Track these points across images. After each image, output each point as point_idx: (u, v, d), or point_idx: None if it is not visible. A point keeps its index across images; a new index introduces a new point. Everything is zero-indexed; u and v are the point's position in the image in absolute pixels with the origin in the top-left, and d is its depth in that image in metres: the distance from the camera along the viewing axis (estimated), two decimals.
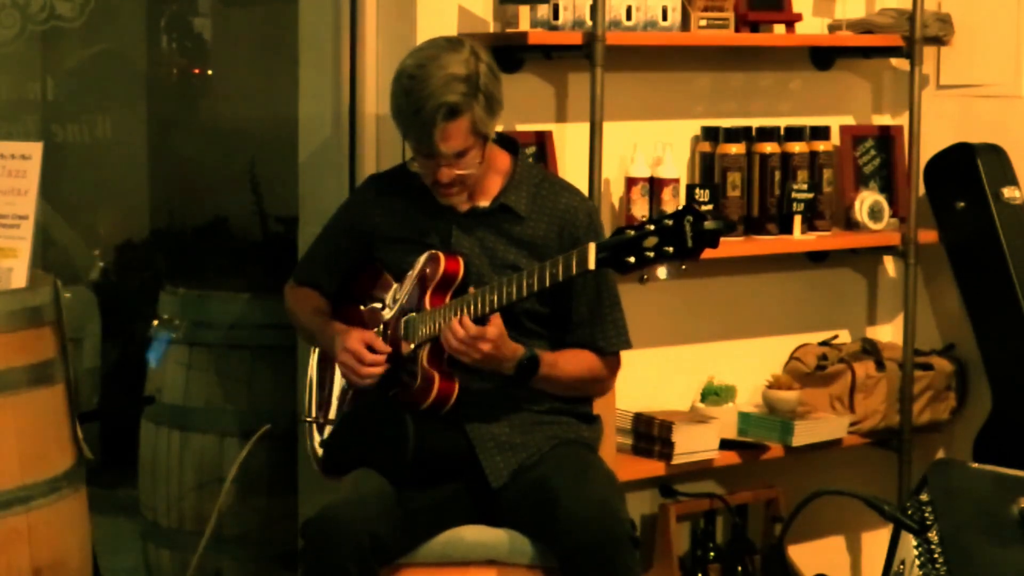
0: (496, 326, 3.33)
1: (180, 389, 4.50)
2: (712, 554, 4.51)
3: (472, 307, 3.34)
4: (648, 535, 4.40)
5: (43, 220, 3.56)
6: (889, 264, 4.89)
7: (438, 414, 3.44)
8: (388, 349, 3.49)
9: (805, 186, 4.43)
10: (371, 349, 3.49)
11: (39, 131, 5.84)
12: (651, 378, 4.43)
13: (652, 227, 3.14)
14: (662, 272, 3.17)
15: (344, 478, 3.49)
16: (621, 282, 3.55)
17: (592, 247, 3.21)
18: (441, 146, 3.38)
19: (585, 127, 4.02)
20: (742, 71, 4.58)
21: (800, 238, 4.44)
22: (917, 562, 3.09)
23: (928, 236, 4.62)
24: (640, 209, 4.20)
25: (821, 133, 4.54)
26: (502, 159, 3.57)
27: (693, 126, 4.47)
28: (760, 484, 4.55)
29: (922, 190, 4.63)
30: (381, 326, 3.54)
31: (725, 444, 4.33)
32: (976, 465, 3.36)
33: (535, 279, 3.29)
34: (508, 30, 4.05)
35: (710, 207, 4.26)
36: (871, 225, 4.56)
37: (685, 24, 4.26)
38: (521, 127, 4.16)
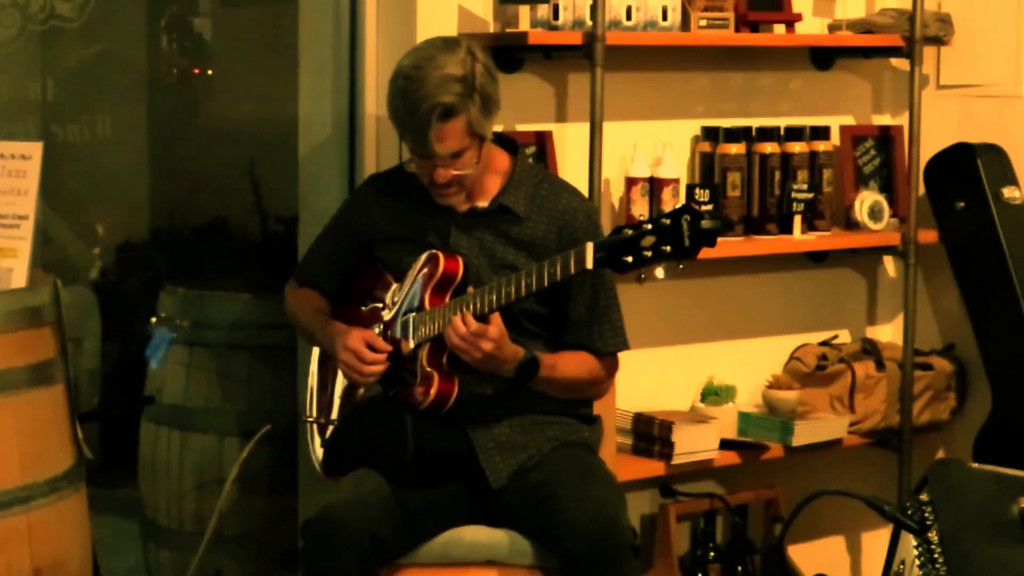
0: (497, 326, 3.33)
1: (180, 389, 4.50)
2: (712, 554, 4.51)
3: (471, 307, 3.35)
4: (648, 535, 4.40)
5: (42, 221, 3.55)
6: (889, 264, 4.89)
7: (438, 414, 3.44)
8: (389, 348, 3.49)
9: (805, 186, 4.43)
10: (372, 348, 3.49)
11: (39, 131, 5.84)
12: (651, 378, 4.43)
13: (650, 226, 3.14)
14: (660, 272, 3.17)
15: (344, 478, 3.49)
16: (620, 282, 3.55)
17: (590, 247, 3.21)
18: (436, 147, 3.38)
19: (585, 127, 4.02)
20: (742, 71, 4.58)
21: (800, 238, 4.44)
22: (917, 562, 3.09)
23: (928, 236, 4.62)
24: (640, 209, 4.20)
25: (821, 133, 4.54)
26: (501, 159, 3.57)
27: (693, 126, 4.47)
28: (760, 484, 4.55)
29: (922, 190, 4.63)
30: (381, 326, 3.54)
31: (725, 444, 4.33)
32: (976, 465, 3.35)
33: (533, 279, 3.29)
34: (508, 30, 4.05)
35: (710, 207, 4.26)
36: (871, 225, 4.56)
37: (685, 24, 4.26)
38: (521, 127, 4.16)
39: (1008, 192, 4.57)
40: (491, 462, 3.47)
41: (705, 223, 3.10)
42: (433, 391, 3.41)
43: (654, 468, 4.26)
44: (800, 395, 4.46)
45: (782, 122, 4.53)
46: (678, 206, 3.16)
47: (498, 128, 3.81)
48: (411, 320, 3.47)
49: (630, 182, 4.23)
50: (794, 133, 4.48)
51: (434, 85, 3.36)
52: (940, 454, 4.80)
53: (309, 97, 4.27)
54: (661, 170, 4.24)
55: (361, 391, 3.58)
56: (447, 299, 3.44)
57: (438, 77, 3.36)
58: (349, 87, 4.12)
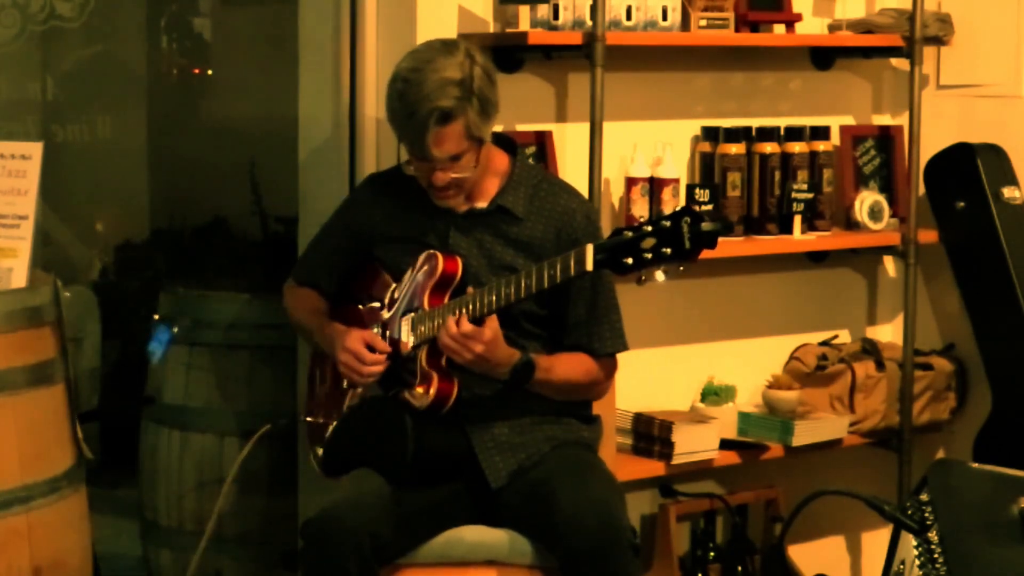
0: (491, 328, 3.33)
1: (180, 389, 4.50)
2: (712, 554, 4.51)
3: (470, 307, 3.35)
4: (648, 535, 4.40)
5: (42, 221, 3.56)
6: (889, 264, 4.89)
7: (437, 414, 3.43)
8: (388, 348, 3.49)
9: (805, 186, 4.43)
10: (371, 349, 3.49)
11: (39, 131, 5.84)
12: (651, 378, 4.43)
13: (650, 228, 3.14)
14: (660, 275, 3.17)
15: (344, 478, 3.49)
16: (620, 282, 3.55)
17: (590, 248, 3.21)
18: (434, 150, 3.38)
19: (585, 127, 4.02)
20: (742, 71, 4.58)
21: (800, 238, 4.44)
22: (917, 562, 3.08)
23: (928, 236, 4.62)
24: (640, 209, 4.20)
25: (821, 133, 4.54)
26: (500, 160, 3.57)
27: (693, 126, 4.47)
28: (760, 484, 4.55)
29: (922, 190, 4.63)
30: (380, 326, 3.54)
31: (725, 444, 4.33)
32: (976, 465, 3.35)
33: (533, 280, 3.28)
34: (508, 30, 4.05)
35: (710, 207, 4.26)
36: (871, 225, 4.56)
37: (685, 24, 4.26)
38: (521, 127, 4.15)
39: (1008, 192, 4.57)
40: (491, 462, 3.47)
41: (705, 225, 3.10)
42: (432, 391, 3.41)
43: (654, 468, 4.26)
44: (800, 395, 4.46)
45: (782, 122, 4.53)
46: (678, 208, 3.16)
47: (498, 128, 3.80)
48: (410, 320, 3.47)
49: (630, 182, 4.23)
50: (794, 133, 4.48)
51: (432, 88, 3.35)
52: (940, 454, 4.80)
53: (309, 97, 4.27)
54: (661, 170, 4.23)
55: (359, 390, 3.58)
56: (446, 299, 3.44)
57: (436, 80, 3.36)
58: (349, 87, 4.12)
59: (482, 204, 3.54)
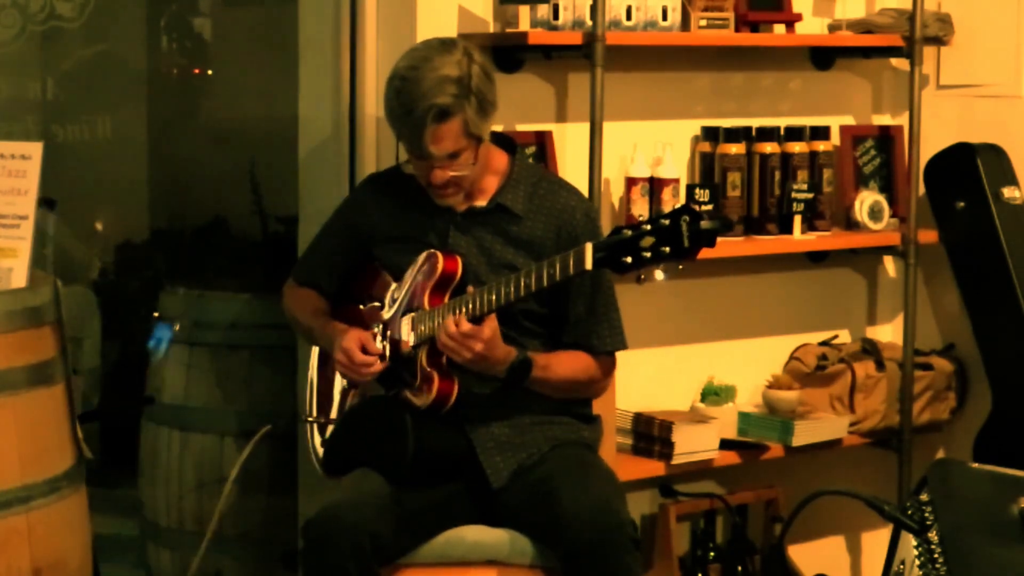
0: (490, 327, 3.33)
1: (180, 389, 4.50)
2: (712, 554, 4.51)
3: (470, 306, 3.35)
4: (648, 535, 4.40)
5: (41, 221, 3.55)
6: (889, 264, 4.89)
7: (438, 414, 3.43)
8: (379, 349, 3.49)
9: (805, 186, 4.43)
10: (365, 351, 3.49)
11: (39, 131, 5.84)
12: (651, 378, 4.43)
13: (649, 227, 3.14)
14: (659, 274, 3.17)
15: (344, 478, 3.49)
16: (619, 282, 3.55)
17: (589, 247, 3.21)
18: (432, 148, 3.38)
19: (585, 127, 4.02)
20: (742, 71, 4.58)
21: (800, 238, 4.44)
22: (917, 562, 3.08)
23: (928, 236, 4.62)
24: (640, 209, 4.20)
25: (821, 133, 4.54)
26: (499, 159, 3.57)
27: (693, 126, 4.47)
28: (760, 484, 4.55)
29: (922, 190, 4.63)
30: (380, 325, 3.54)
31: (725, 444, 4.33)
32: (976, 465, 3.36)
33: (532, 279, 3.29)
34: (508, 30, 4.05)
35: (710, 207, 4.26)
36: (871, 225, 4.56)
37: (685, 24, 4.26)
38: (521, 127, 4.16)
39: (1008, 192, 4.57)
40: (491, 462, 3.47)
41: (704, 224, 3.10)
42: (433, 391, 3.41)
43: (654, 468, 4.26)
44: (800, 395, 4.46)
45: (782, 122, 4.53)
46: (677, 206, 3.16)
47: (498, 128, 3.81)
48: (410, 320, 3.47)
49: (630, 182, 4.23)
50: (794, 133, 4.48)
51: (430, 86, 3.36)
52: (940, 454, 4.80)
53: (309, 97, 4.27)
54: (661, 170, 4.23)
55: (359, 390, 3.58)
56: (446, 299, 3.44)
57: (434, 78, 3.36)
58: (349, 87, 4.12)
59: (481, 203, 3.54)
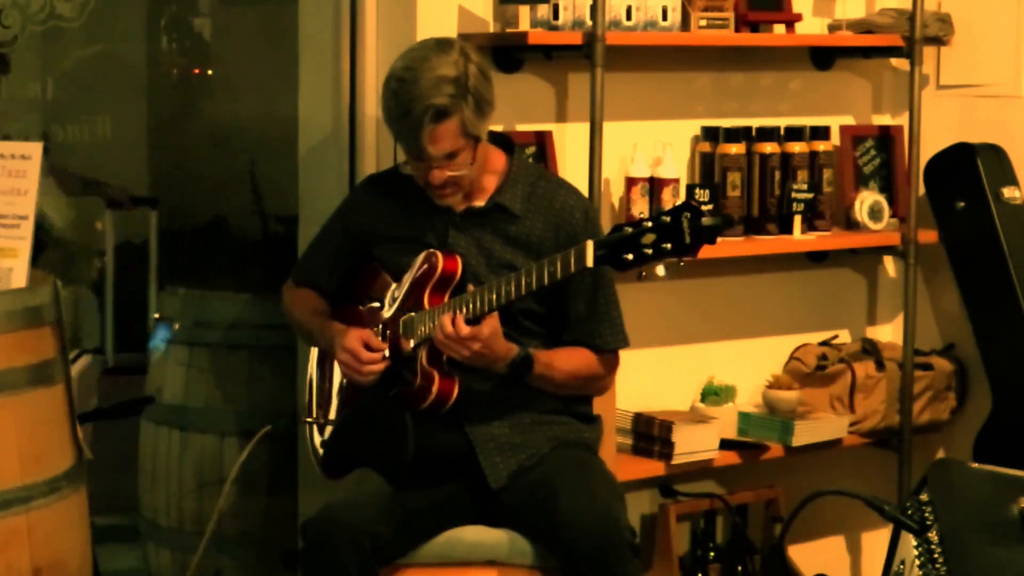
0: (490, 326, 3.33)
1: (180, 389, 4.50)
2: (712, 554, 4.51)
3: (470, 306, 3.34)
4: (648, 535, 4.40)
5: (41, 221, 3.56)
6: (889, 264, 4.89)
7: (438, 414, 3.43)
8: (384, 347, 3.49)
9: (805, 186, 4.43)
10: (369, 348, 3.49)
11: (39, 131, 5.84)
12: (651, 378, 4.43)
13: (650, 224, 3.14)
14: (660, 270, 3.17)
15: (344, 478, 3.49)
16: (620, 281, 3.55)
17: (590, 245, 3.21)
18: (430, 148, 3.38)
19: (585, 127, 4.02)
20: (742, 71, 4.58)
21: (800, 238, 4.44)
22: (917, 562, 3.08)
23: (928, 236, 4.62)
24: (640, 209, 4.20)
25: (821, 133, 4.54)
26: (497, 158, 3.57)
27: (693, 126, 4.47)
28: (760, 484, 4.55)
29: (922, 190, 4.63)
30: (380, 325, 3.54)
31: (725, 444, 4.33)
32: (976, 465, 3.36)
33: (533, 278, 3.28)
34: (508, 30, 4.05)
35: (710, 207, 4.25)
36: (871, 225, 4.56)
37: (685, 24, 4.26)
38: (521, 127, 4.16)
39: (1008, 192, 4.57)
40: (491, 462, 3.47)
41: (706, 220, 3.10)
42: (434, 390, 3.41)
43: (654, 468, 4.26)
44: (800, 395, 4.46)
45: (782, 122, 4.52)
46: (678, 203, 3.16)
47: (498, 128, 3.81)
48: (410, 320, 3.47)
49: (630, 182, 4.23)
50: (794, 133, 4.48)
51: (427, 87, 3.35)
52: (940, 454, 4.80)
53: (309, 97, 4.27)
54: (661, 170, 4.23)
55: (359, 390, 3.58)
56: (446, 298, 3.44)
57: (431, 79, 3.36)
58: (349, 87, 4.12)
59: (480, 203, 3.54)
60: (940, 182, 4.65)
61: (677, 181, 4.24)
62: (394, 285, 3.56)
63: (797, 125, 4.51)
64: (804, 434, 4.40)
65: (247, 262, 5.46)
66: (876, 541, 4.82)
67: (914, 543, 3.11)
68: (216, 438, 4.44)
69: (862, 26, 4.62)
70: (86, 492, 3.52)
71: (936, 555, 3.07)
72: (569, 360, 3.51)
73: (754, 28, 4.43)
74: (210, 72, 6.74)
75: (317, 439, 3.67)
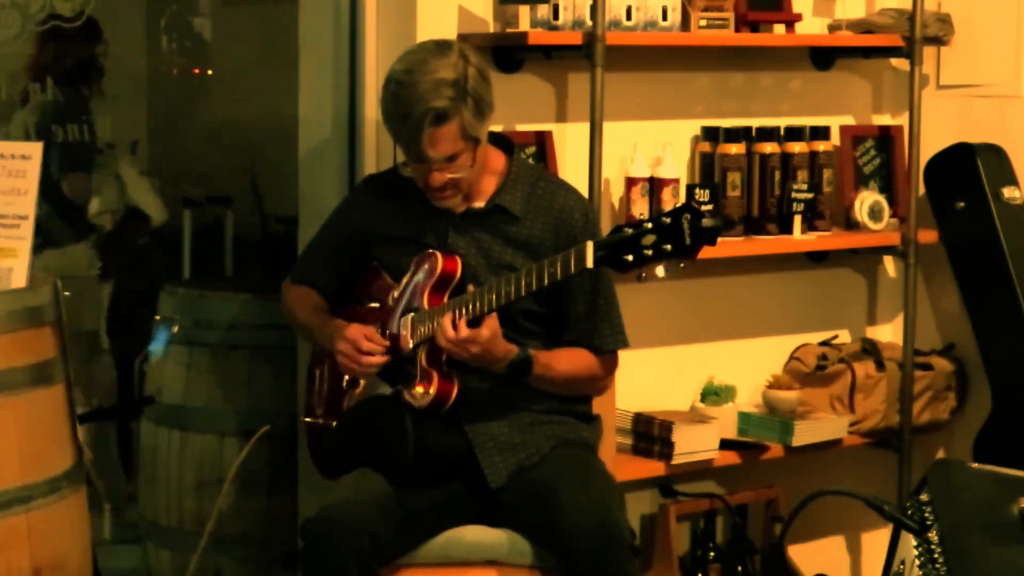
0: (489, 328, 3.33)
1: (180, 389, 4.50)
2: (712, 554, 4.51)
3: (470, 306, 3.35)
4: (648, 535, 4.40)
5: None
6: (889, 264, 4.89)
7: (437, 414, 3.43)
8: (385, 341, 3.49)
9: (805, 186, 4.43)
10: (369, 341, 3.49)
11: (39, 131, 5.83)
12: (651, 378, 4.43)
13: (650, 225, 3.14)
14: (660, 271, 3.17)
15: (344, 478, 3.49)
16: (620, 282, 3.55)
17: (590, 246, 3.21)
18: (430, 151, 3.38)
19: (585, 127, 4.02)
20: (742, 71, 4.58)
21: (800, 238, 4.44)
22: (917, 562, 3.08)
23: (928, 236, 4.62)
24: (640, 209, 4.20)
25: (821, 133, 4.54)
26: (497, 159, 3.57)
27: (693, 126, 4.47)
28: (760, 484, 4.55)
29: (922, 190, 4.63)
30: (380, 325, 3.54)
31: (725, 444, 4.33)
32: (976, 465, 3.35)
33: (533, 278, 3.29)
34: (508, 30, 4.05)
35: (710, 207, 4.25)
36: (871, 225, 4.56)
37: (685, 24, 4.26)
38: (521, 127, 4.16)
39: (1008, 192, 4.58)
40: (490, 462, 3.47)
41: (706, 221, 3.10)
42: (432, 391, 3.41)
43: (654, 468, 4.26)
44: (800, 395, 4.46)
45: (782, 122, 4.53)
46: (678, 205, 3.16)
47: (497, 128, 3.81)
48: (410, 320, 3.47)
49: (630, 182, 4.23)
50: (794, 133, 4.48)
51: (426, 90, 3.35)
52: (940, 454, 4.80)
53: (309, 97, 4.27)
54: (661, 170, 4.23)
55: (360, 391, 3.58)
56: (445, 299, 3.44)
57: (430, 81, 3.36)
58: (349, 87, 4.12)
59: (480, 204, 3.54)
60: (940, 182, 4.65)
61: (677, 181, 4.24)
62: (394, 285, 3.56)
63: (797, 125, 4.51)
64: (804, 434, 4.40)
65: (247, 262, 5.46)
66: (876, 541, 4.82)
67: (914, 543, 3.11)
68: (216, 438, 4.44)
69: (862, 26, 4.62)
70: (86, 492, 3.52)
71: (936, 555, 3.07)
72: (568, 361, 3.51)
73: (754, 28, 4.43)
74: (210, 72, 6.74)
75: (309, 438, 3.68)
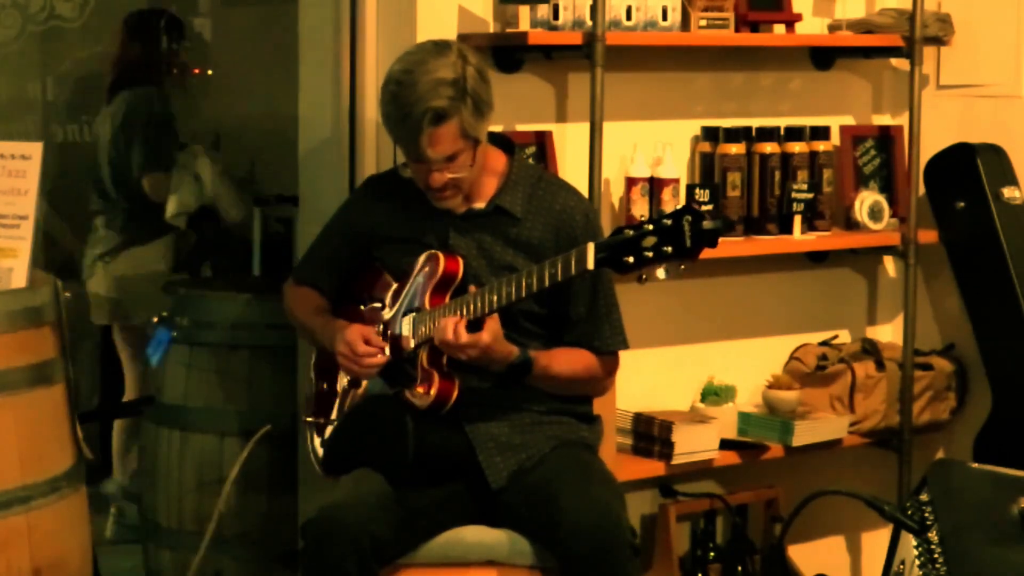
0: (490, 331, 3.33)
1: (180, 389, 4.50)
2: (712, 554, 4.51)
3: (471, 307, 3.34)
4: (648, 535, 4.40)
5: (42, 220, 3.56)
6: (889, 264, 4.89)
7: (438, 414, 3.43)
8: (384, 344, 3.49)
9: (805, 186, 4.43)
10: (368, 344, 3.49)
11: (39, 131, 5.84)
12: (651, 378, 4.43)
13: (651, 227, 3.14)
14: (661, 272, 3.17)
15: (344, 478, 3.49)
16: (621, 282, 3.55)
17: (591, 247, 3.21)
18: (429, 151, 3.38)
19: (585, 127, 4.02)
20: (742, 71, 4.58)
21: (800, 238, 4.44)
22: (917, 562, 3.09)
23: (928, 236, 4.62)
24: (640, 209, 4.20)
25: (821, 133, 4.54)
26: (497, 160, 3.57)
27: (693, 126, 4.47)
28: (760, 484, 4.55)
29: (922, 190, 4.63)
30: (381, 325, 3.54)
31: (725, 444, 4.33)
32: (976, 465, 3.36)
33: (534, 279, 3.28)
34: (508, 30, 4.05)
35: (710, 207, 4.26)
36: (871, 225, 4.56)
37: (685, 24, 4.26)
38: (521, 127, 4.16)
39: (1008, 192, 4.58)
40: (491, 462, 3.47)
41: (707, 224, 3.10)
42: (433, 391, 3.41)
43: (654, 468, 4.26)
44: (800, 395, 4.46)
45: (782, 122, 4.52)
46: (679, 206, 3.15)
47: (498, 128, 3.81)
48: (411, 320, 3.47)
49: (630, 182, 4.23)
50: (794, 133, 4.48)
51: (425, 90, 3.35)
52: (940, 454, 4.80)
53: (309, 97, 4.27)
54: (661, 170, 4.23)
55: (361, 391, 3.58)
56: (447, 299, 3.44)
57: (429, 82, 3.36)
58: (349, 87, 4.12)
59: (480, 205, 3.54)
60: (940, 182, 4.65)
61: (677, 181, 4.24)
62: (395, 285, 3.56)
63: (797, 125, 4.51)
64: (804, 434, 4.40)
65: (247, 262, 5.45)
66: (876, 541, 4.82)
67: (914, 543, 3.11)
68: (216, 438, 4.44)
69: (862, 26, 4.62)
70: (86, 492, 3.52)
71: (936, 555, 3.07)
72: (568, 362, 3.51)
73: (754, 28, 4.43)
74: (210, 72, 6.73)
75: (317, 439, 3.67)
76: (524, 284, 3.29)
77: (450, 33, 3.98)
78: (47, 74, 6.05)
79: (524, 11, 4.03)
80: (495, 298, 3.32)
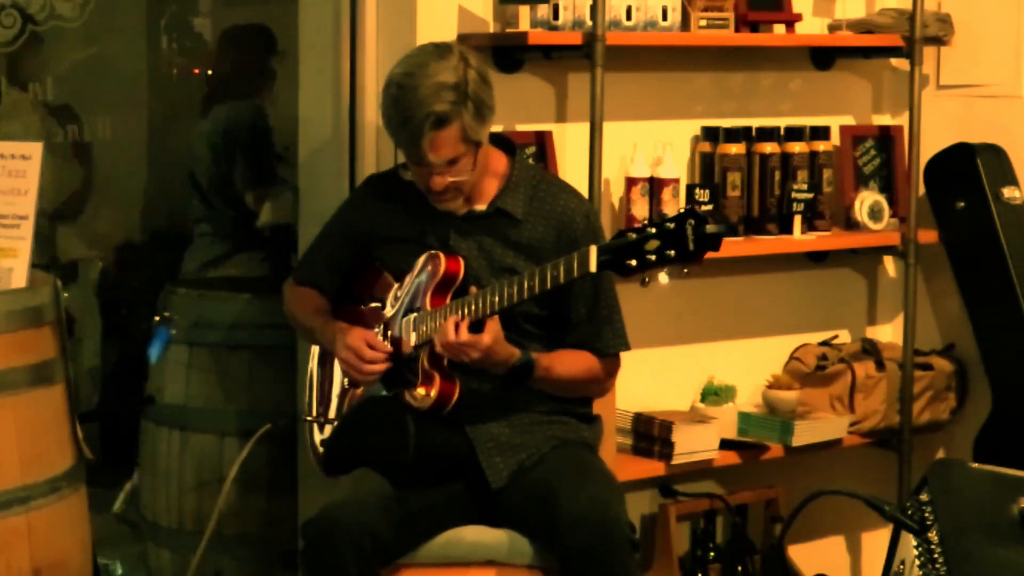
0: (491, 333, 3.32)
1: (180, 389, 4.50)
2: (712, 554, 4.51)
3: (472, 308, 3.34)
4: (648, 535, 4.40)
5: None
6: (889, 264, 4.89)
7: (439, 415, 3.43)
8: (388, 347, 3.49)
9: (805, 186, 4.43)
10: (371, 348, 3.49)
11: (39, 131, 5.83)
12: (651, 378, 4.43)
13: (653, 230, 3.13)
14: (664, 276, 3.16)
15: (344, 478, 3.49)
16: (622, 283, 3.54)
17: (593, 250, 3.21)
18: (430, 155, 3.38)
19: (585, 127, 4.02)
20: (742, 71, 4.58)
21: (800, 238, 4.45)
22: (917, 562, 3.09)
23: (928, 236, 4.62)
24: (640, 209, 4.20)
25: (821, 133, 4.54)
26: (498, 161, 3.57)
27: (693, 126, 4.47)
28: (760, 484, 4.55)
29: (922, 190, 4.63)
30: (381, 326, 3.54)
31: (725, 444, 4.33)
32: (976, 465, 3.36)
33: (536, 281, 3.28)
34: (508, 30, 4.05)
35: (710, 207, 4.26)
36: (871, 225, 4.56)
37: (685, 24, 4.26)
38: (521, 127, 4.16)
39: (1008, 192, 4.58)
40: (491, 462, 3.47)
41: (709, 227, 3.10)
42: (434, 392, 3.41)
43: (654, 468, 4.26)
44: (800, 395, 4.46)
45: (782, 122, 4.53)
46: (682, 209, 3.15)
47: (498, 128, 3.81)
48: (412, 320, 3.47)
49: (630, 182, 4.23)
50: (794, 133, 4.48)
51: (427, 94, 3.35)
52: (940, 454, 4.80)
53: (309, 98, 4.27)
54: (661, 170, 4.23)
55: (360, 390, 3.58)
56: (448, 299, 3.44)
57: (430, 85, 3.35)
58: (349, 87, 4.12)
59: (481, 206, 3.54)
60: (940, 182, 4.65)
61: (677, 181, 4.24)
62: (396, 285, 3.56)
63: (797, 125, 4.51)
64: (804, 434, 4.40)
65: (247, 262, 5.45)
66: (876, 541, 4.82)
67: (914, 543, 3.11)
68: (216, 438, 4.44)
69: (862, 26, 4.62)
70: (86, 492, 3.52)
71: (936, 555, 3.07)
72: (570, 364, 3.51)
73: (754, 28, 4.43)
74: (210, 72, 6.73)
75: (317, 438, 3.67)
76: (526, 286, 3.29)
77: (450, 33, 3.98)
78: (47, 74, 6.04)
79: (524, 11, 4.03)
80: (496, 299, 3.32)
